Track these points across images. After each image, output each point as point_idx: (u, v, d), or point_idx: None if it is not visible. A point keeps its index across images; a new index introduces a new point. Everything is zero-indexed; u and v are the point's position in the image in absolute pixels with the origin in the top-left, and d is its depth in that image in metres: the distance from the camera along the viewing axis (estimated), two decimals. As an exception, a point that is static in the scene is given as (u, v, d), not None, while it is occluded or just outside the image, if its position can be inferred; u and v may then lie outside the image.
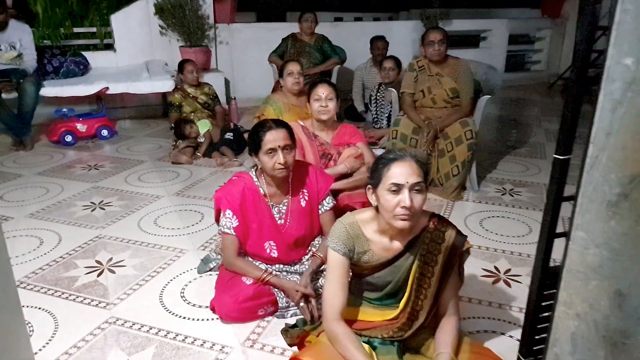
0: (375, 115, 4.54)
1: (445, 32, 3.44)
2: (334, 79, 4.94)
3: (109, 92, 4.74)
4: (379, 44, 5.11)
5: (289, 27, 5.47)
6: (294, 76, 3.46)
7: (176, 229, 2.95)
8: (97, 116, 4.82)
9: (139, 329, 2.04)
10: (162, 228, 2.96)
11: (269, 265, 2.20)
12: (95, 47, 5.74)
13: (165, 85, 4.81)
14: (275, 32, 5.50)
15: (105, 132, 4.81)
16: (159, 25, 5.57)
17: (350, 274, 1.77)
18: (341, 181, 2.72)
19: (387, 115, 4.40)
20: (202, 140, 4.34)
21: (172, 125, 4.47)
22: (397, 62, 4.38)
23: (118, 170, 3.96)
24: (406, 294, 1.69)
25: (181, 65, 4.61)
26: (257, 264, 2.19)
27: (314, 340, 1.77)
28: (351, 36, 6.06)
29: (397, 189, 1.53)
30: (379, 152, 3.44)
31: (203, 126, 4.42)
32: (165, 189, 3.58)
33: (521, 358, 1.43)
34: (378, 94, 4.50)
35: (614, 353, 1.08)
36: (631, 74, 0.86)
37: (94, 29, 5.70)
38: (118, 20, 5.54)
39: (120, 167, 4.04)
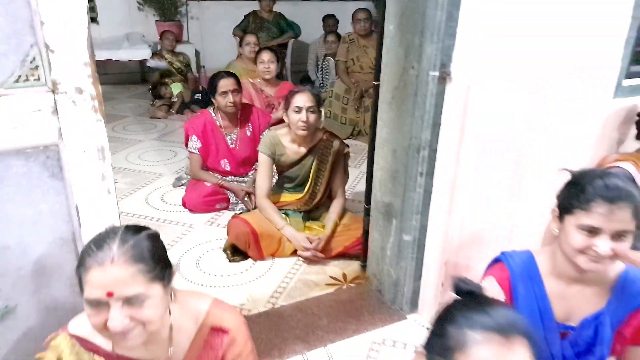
0: (321, 81, 5.44)
1: (370, 11, 4.35)
2: (288, 52, 5.81)
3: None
4: (329, 21, 5.97)
5: (252, 5, 6.26)
6: (251, 46, 4.35)
7: (155, 161, 3.83)
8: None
9: (127, 214, 2.94)
10: (145, 160, 3.84)
11: (224, 177, 3.11)
12: (79, 20, 6.44)
13: (143, 53, 5.61)
14: (241, 10, 6.28)
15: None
16: (137, 2, 6.31)
17: (275, 172, 2.70)
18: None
19: (330, 81, 5.30)
20: (175, 100, 5.19)
21: (150, 86, 5.29)
22: (339, 37, 5.26)
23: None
24: (309, 182, 2.63)
25: (162, 35, 5.42)
26: (215, 176, 3.10)
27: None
28: (308, 14, 6.88)
29: (299, 110, 2.45)
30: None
31: (176, 88, 5.26)
32: (145, 136, 4.44)
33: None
34: (323, 63, 5.39)
35: (395, 185, 2.02)
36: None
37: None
38: (100, -4, 6.26)
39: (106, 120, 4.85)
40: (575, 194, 1.25)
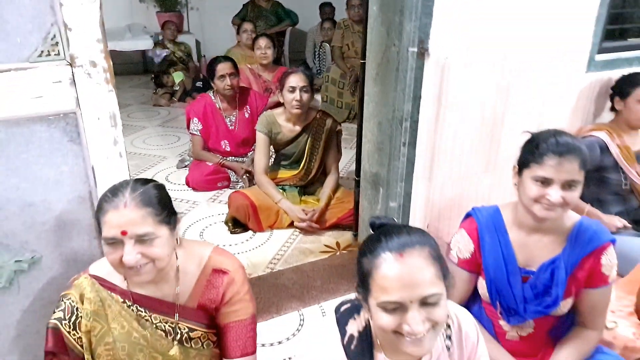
0: (318, 67, 5.59)
1: (363, -2, 4.49)
2: (286, 39, 5.96)
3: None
4: (326, 9, 6.11)
5: (250, -6, 6.39)
6: (248, 33, 4.51)
7: (159, 145, 4.01)
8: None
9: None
10: (149, 145, 4.01)
11: (225, 157, 3.28)
12: (81, 12, 6.60)
13: (145, 43, 5.77)
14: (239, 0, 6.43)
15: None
16: (138, -7, 6.46)
17: (272, 151, 2.87)
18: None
19: (327, 66, 5.45)
20: (177, 88, 5.35)
21: (153, 75, 5.45)
22: (334, 23, 5.40)
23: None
24: (304, 159, 2.80)
25: (163, 25, 5.57)
26: (216, 156, 3.27)
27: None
28: (305, 2, 7.00)
29: (293, 90, 2.61)
30: (318, 97, 4.56)
31: (177, 77, 5.42)
32: (149, 122, 4.61)
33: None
34: (320, 50, 5.54)
35: (381, 155, 2.19)
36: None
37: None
38: (102, -12, 6.39)
39: (111, 109, 5.03)
40: (531, 150, 1.42)
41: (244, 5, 6.05)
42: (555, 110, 2.30)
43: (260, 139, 2.75)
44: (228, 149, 3.28)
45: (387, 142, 2.13)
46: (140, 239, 1.15)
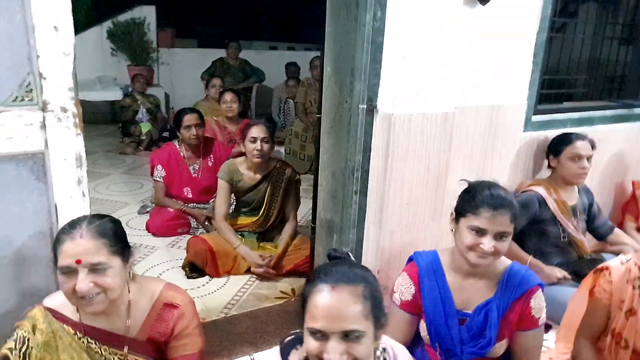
0: (283, 122, 5.82)
1: (326, 59, 4.79)
2: (253, 95, 6.21)
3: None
4: (291, 68, 6.43)
5: (220, 52, 6.69)
6: (216, 88, 4.72)
7: (122, 192, 4.05)
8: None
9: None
10: (112, 191, 4.05)
11: (186, 204, 3.36)
12: (52, 62, 6.72)
13: (114, 94, 5.90)
14: (208, 56, 6.69)
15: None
16: (110, 47, 6.65)
17: (234, 198, 2.98)
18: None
19: (290, 121, 5.69)
20: (144, 137, 5.45)
21: (120, 125, 5.55)
22: (299, 81, 5.69)
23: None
24: (263, 206, 2.91)
25: (133, 77, 5.73)
26: (178, 202, 3.35)
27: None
28: (272, 61, 7.35)
29: (254, 140, 2.76)
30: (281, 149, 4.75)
31: (145, 127, 5.53)
32: (114, 170, 4.67)
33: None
34: (285, 105, 5.79)
35: (335, 203, 2.33)
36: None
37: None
38: (76, 42, 6.55)
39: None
40: (468, 200, 1.59)
41: (213, 62, 6.31)
42: (497, 164, 2.52)
43: (222, 185, 2.86)
44: (190, 195, 3.37)
45: (340, 190, 2.28)
46: (94, 268, 1.23)
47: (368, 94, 2.08)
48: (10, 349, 1.28)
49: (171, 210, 3.25)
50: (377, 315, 1.11)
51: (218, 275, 2.74)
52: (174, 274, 2.77)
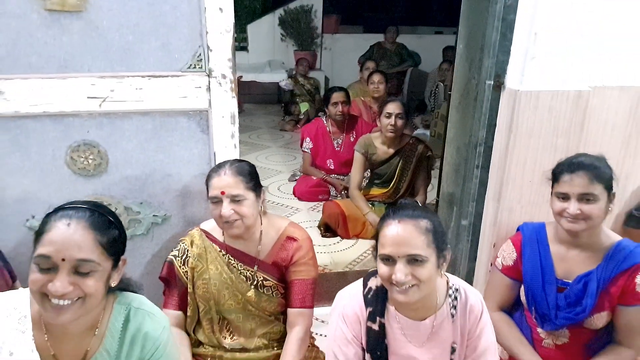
0: (432, 106, 5.86)
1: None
2: (407, 78, 6.34)
3: (242, 79, 6.61)
4: (449, 52, 6.39)
5: (379, 37, 6.94)
6: (369, 70, 4.97)
7: (278, 162, 4.60)
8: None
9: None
10: (270, 161, 4.64)
11: (328, 174, 3.71)
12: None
13: (280, 76, 6.57)
14: (369, 41, 7.00)
15: (235, 109, 6.70)
16: (280, 34, 7.38)
17: (368, 170, 3.22)
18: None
19: (439, 104, 5.71)
20: (302, 116, 6.00)
21: (283, 104, 6.18)
22: (452, 64, 5.65)
23: (242, 131, 5.75)
24: (394, 179, 3.11)
25: (297, 61, 6.34)
26: (321, 172, 3.72)
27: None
28: (429, 45, 7.36)
29: (389, 115, 2.95)
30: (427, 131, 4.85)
31: (304, 107, 6.08)
32: (273, 143, 5.28)
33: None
34: (435, 89, 5.81)
35: (457, 177, 2.42)
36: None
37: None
38: (252, 29, 7.45)
39: (242, 130, 5.82)
40: (554, 171, 1.62)
41: (370, 46, 6.60)
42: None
43: (357, 158, 3.12)
44: (332, 167, 3.71)
45: (463, 164, 2.36)
46: (234, 199, 1.58)
47: (496, 70, 2.12)
48: (175, 256, 1.71)
49: (314, 178, 3.63)
50: (439, 246, 1.28)
51: (348, 236, 3.02)
52: (310, 232, 3.11)
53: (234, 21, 1.79)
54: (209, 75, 1.83)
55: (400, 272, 1.23)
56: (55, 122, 1.80)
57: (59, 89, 1.75)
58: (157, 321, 1.25)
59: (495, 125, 2.20)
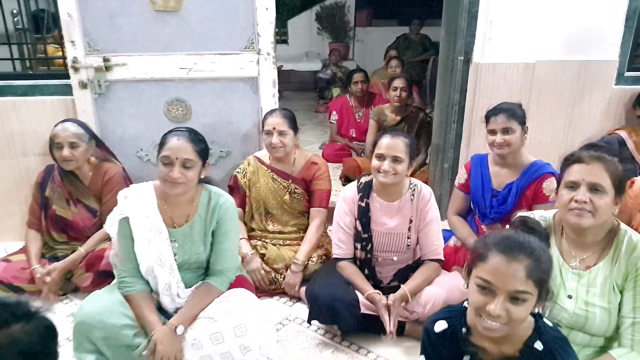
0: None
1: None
2: (429, 66, 7.06)
3: (283, 68, 7.51)
4: (468, 42, 7.08)
5: (405, 30, 7.67)
6: (390, 57, 5.77)
7: (311, 134, 5.48)
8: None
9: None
10: (304, 134, 5.50)
11: (350, 141, 4.54)
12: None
13: (316, 65, 7.44)
14: (396, 34, 7.73)
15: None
16: (317, 28, 8.24)
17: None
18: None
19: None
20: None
21: (317, 90, 7.05)
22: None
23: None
24: (401, 140, 3.90)
25: (330, 52, 7.19)
26: (344, 139, 4.55)
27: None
28: (453, 37, 8.02)
29: (395, 89, 3.75)
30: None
31: (335, 92, 6.90)
32: (309, 122, 6.16)
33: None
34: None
35: (441, 130, 3.22)
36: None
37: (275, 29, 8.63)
38: (292, 24, 8.35)
39: (284, 111, 6.73)
40: (486, 115, 2.37)
41: (397, 37, 7.36)
42: (585, 112, 3.05)
43: (372, 124, 3.94)
44: (354, 135, 4.54)
45: (444, 121, 3.14)
46: (281, 133, 2.44)
47: (465, 49, 2.91)
48: (237, 172, 2.61)
49: (339, 144, 4.47)
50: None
51: (362, 185, 3.84)
52: (334, 184, 3.97)
53: (275, 16, 2.66)
54: (258, 53, 2.70)
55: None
56: (158, 85, 2.73)
57: (161, 63, 2.68)
58: (226, 198, 2.09)
59: (466, 90, 2.99)
